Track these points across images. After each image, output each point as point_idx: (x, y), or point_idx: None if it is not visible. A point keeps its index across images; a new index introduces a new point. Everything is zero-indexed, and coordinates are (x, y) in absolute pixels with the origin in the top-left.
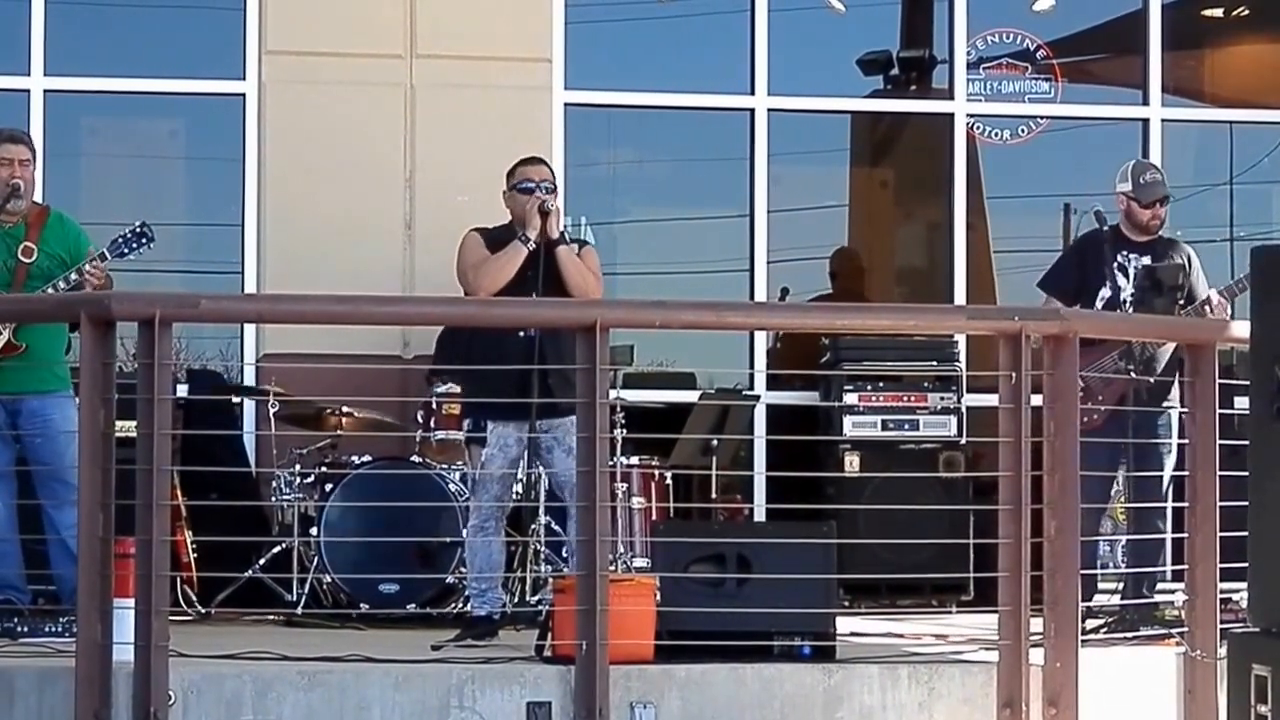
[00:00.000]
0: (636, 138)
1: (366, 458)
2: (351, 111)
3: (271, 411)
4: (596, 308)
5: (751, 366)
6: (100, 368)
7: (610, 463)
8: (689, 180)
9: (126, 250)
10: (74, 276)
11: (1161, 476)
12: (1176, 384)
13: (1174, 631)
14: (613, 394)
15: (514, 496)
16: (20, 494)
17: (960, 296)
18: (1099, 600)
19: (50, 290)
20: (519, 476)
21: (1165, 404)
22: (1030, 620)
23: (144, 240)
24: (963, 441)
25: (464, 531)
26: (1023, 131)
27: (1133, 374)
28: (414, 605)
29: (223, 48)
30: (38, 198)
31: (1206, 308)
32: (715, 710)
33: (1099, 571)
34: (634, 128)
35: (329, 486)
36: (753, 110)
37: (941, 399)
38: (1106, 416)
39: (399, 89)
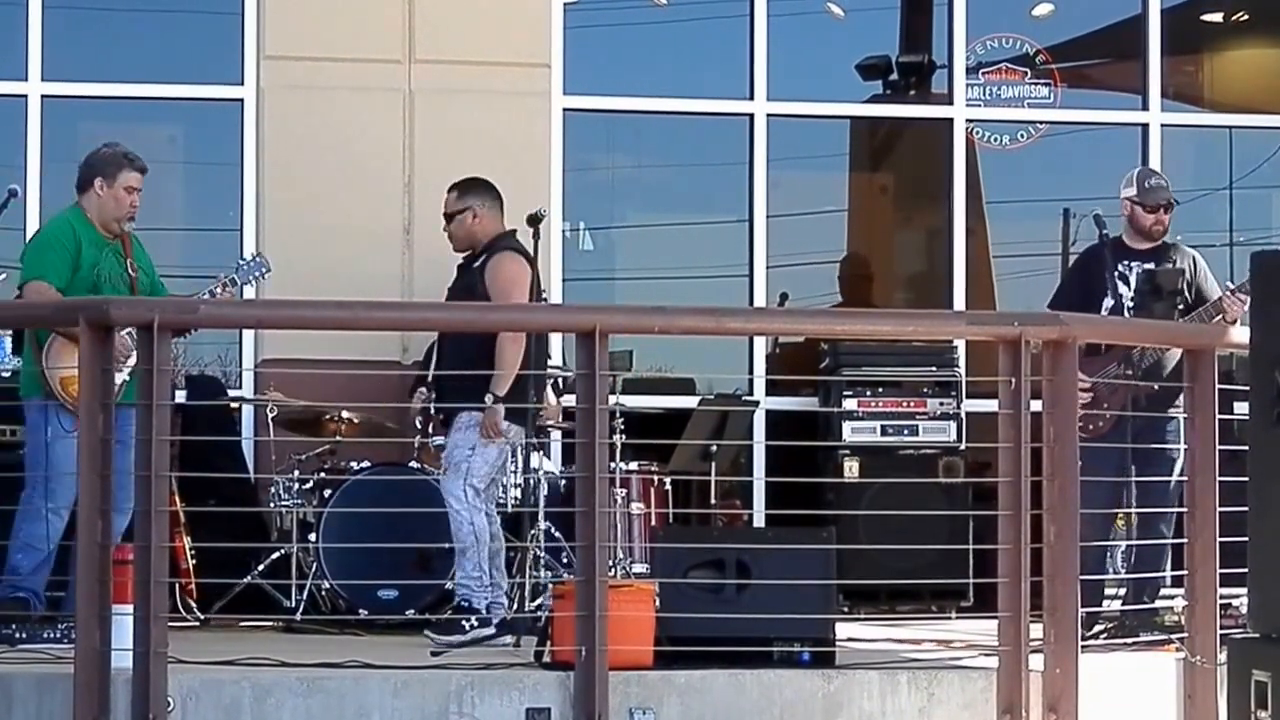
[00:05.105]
0: (636, 143)
1: (365, 463)
2: (350, 117)
3: (270, 417)
4: (596, 313)
5: (751, 372)
6: (99, 374)
7: (609, 468)
8: (688, 185)
9: (247, 280)
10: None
11: (1165, 483)
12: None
13: (1174, 637)
14: (612, 399)
15: (514, 500)
16: (15, 499)
17: (960, 302)
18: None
19: None
20: (517, 482)
21: (1171, 410)
22: (1030, 626)
23: (262, 270)
24: (962, 447)
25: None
26: (1022, 136)
27: (1133, 379)
28: (413, 611)
29: (221, 53)
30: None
31: (1220, 314)
32: (715, 716)
33: (1103, 577)
34: (633, 133)
35: (328, 492)
36: (752, 115)
37: (941, 404)
38: (1112, 423)
39: (398, 94)
